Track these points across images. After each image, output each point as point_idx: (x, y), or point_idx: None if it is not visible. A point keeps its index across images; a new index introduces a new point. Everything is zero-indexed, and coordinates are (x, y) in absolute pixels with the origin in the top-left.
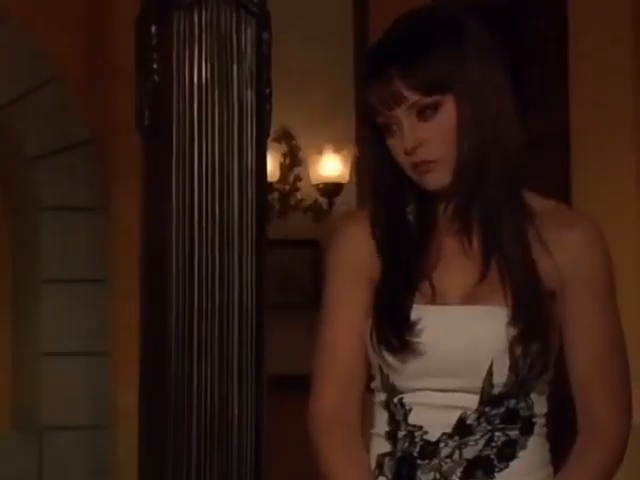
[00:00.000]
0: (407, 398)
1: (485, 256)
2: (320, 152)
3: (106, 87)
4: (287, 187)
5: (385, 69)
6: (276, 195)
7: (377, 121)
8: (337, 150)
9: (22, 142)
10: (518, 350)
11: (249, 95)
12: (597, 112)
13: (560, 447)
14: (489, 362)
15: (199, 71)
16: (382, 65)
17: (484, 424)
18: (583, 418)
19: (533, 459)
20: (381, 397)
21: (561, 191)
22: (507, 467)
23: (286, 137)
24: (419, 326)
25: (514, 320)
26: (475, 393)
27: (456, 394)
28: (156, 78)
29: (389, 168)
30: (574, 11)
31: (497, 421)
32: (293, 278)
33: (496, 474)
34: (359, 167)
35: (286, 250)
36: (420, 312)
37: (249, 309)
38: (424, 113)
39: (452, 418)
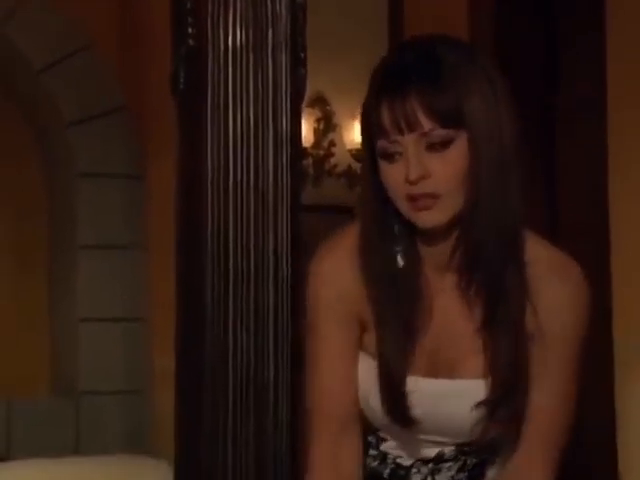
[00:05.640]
0: (383, 432)
1: (487, 314)
2: (354, 117)
3: (141, 52)
4: (321, 152)
5: (402, 86)
6: (310, 160)
7: (376, 144)
8: None
9: (58, 108)
10: (497, 418)
11: (284, 59)
12: (634, 82)
13: None
14: (469, 427)
15: (234, 35)
16: (399, 82)
17: (460, 456)
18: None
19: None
20: None
21: (597, 163)
22: None
23: (320, 102)
24: (411, 398)
25: (495, 402)
26: (453, 444)
27: (435, 443)
28: (191, 42)
29: (380, 200)
30: None
31: (472, 454)
32: None
33: None
34: None
35: (319, 216)
36: (414, 383)
37: (284, 274)
38: (434, 145)
39: (430, 453)
